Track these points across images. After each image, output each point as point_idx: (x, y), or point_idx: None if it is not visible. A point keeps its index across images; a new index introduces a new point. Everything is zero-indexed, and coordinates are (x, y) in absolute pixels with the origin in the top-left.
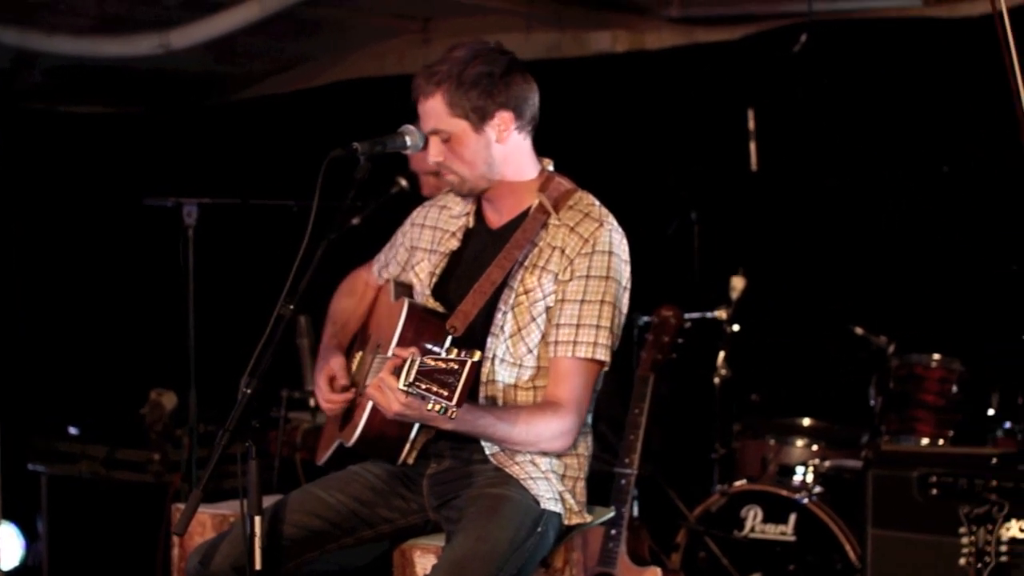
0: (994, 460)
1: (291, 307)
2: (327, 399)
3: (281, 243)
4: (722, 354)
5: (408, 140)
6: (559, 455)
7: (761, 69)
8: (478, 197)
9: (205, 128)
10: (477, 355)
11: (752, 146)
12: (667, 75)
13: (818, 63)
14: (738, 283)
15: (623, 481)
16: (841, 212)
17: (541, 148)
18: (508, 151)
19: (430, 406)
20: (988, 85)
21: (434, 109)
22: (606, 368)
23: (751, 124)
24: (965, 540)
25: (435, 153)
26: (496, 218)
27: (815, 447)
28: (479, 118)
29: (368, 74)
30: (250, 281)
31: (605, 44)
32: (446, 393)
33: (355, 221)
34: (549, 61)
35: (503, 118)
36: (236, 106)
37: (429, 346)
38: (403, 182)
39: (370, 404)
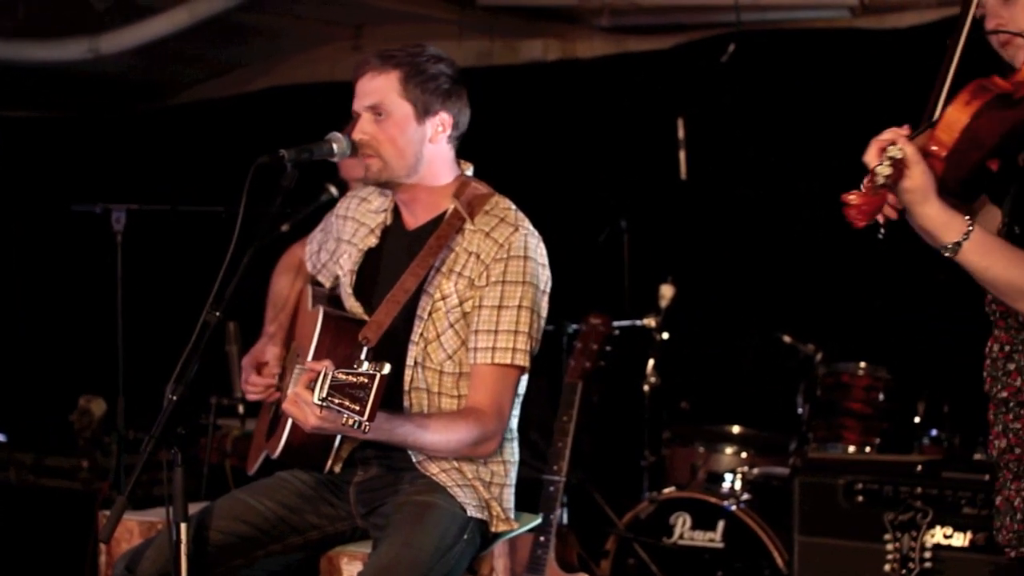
0: (919, 468)
1: (217, 313)
2: (248, 380)
3: (211, 249)
4: (651, 362)
5: (335, 147)
6: (486, 462)
7: (690, 79)
8: (393, 198)
9: (136, 134)
10: (387, 368)
11: (681, 155)
12: (598, 84)
13: (747, 73)
14: (667, 291)
15: (552, 488)
16: (770, 221)
17: (473, 156)
18: (435, 153)
19: (344, 420)
20: (916, 94)
21: (384, 85)
22: (526, 373)
23: (680, 133)
24: (890, 547)
25: (365, 128)
26: (412, 220)
27: (744, 454)
28: (424, 111)
29: (300, 81)
30: (180, 287)
31: (536, 52)
32: (358, 408)
33: (284, 228)
34: (481, 69)
35: (444, 120)
36: (167, 112)
37: (346, 357)
38: (333, 190)
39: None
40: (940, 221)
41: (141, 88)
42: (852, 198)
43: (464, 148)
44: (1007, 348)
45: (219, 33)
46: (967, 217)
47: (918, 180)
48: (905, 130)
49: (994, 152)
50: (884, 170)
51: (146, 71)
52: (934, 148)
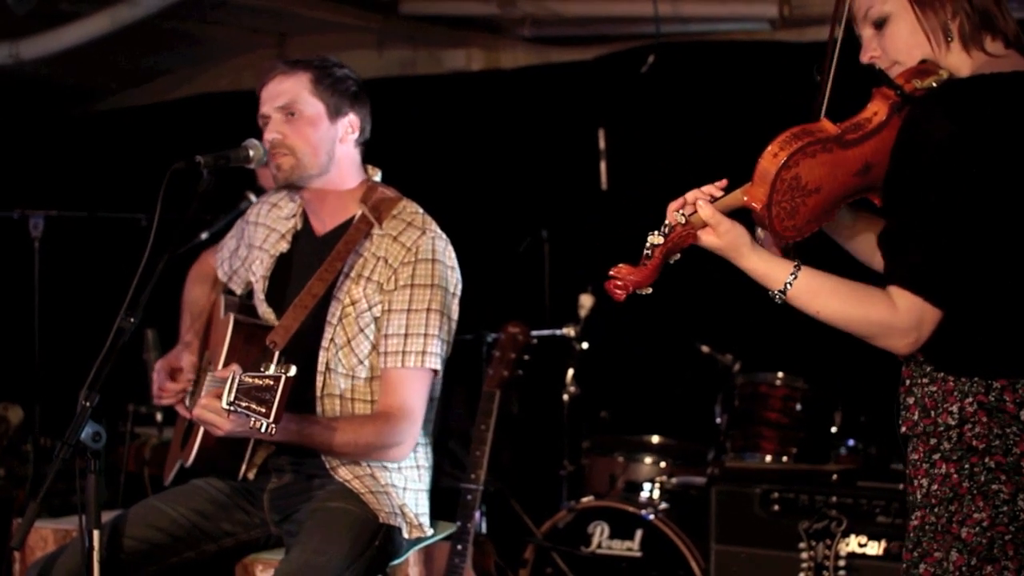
0: (834, 477)
1: (132, 320)
2: (161, 387)
3: (130, 257)
4: (571, 371)
5: (251, 153)
6: (400, 467)
7: (612, 90)
8: (302, 203)
9: (57, 140)
10: (293, 370)
11: (602, 165)
12: (521, 94)
13: (668, 84)
14: (587, 301)
15: (469, 496)
16: None
17: (394, 164)
18: (343, 154)
19: (252, 423)
20: (836, 107)
21: (295, 86)
22: (439, 376)
23: (601, 143)
24: (805, 555)
25: (277, 127)
26: (320, 226)
27: (663, 464)
28: (335, 110)
29: (223, 89)
30: (99, 294)
31: (460, 62)
32: (263, 410)
33: (204, 235)
34: (404, 78)
35: (352, 122)
36: (90, 118)
37: (257, 363)
38: (252, 197)
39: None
40: (761, 272)
41: (63, 94)
42: (614, 271)
43: (386, 156)
44: (907, 382)
45: (142, 40)
46: (795, 262)
47: (725, 239)
48: (713, 189)
49: (856, 191)
50: (655, 240)
51: (68, 77)
52: (747, 200)
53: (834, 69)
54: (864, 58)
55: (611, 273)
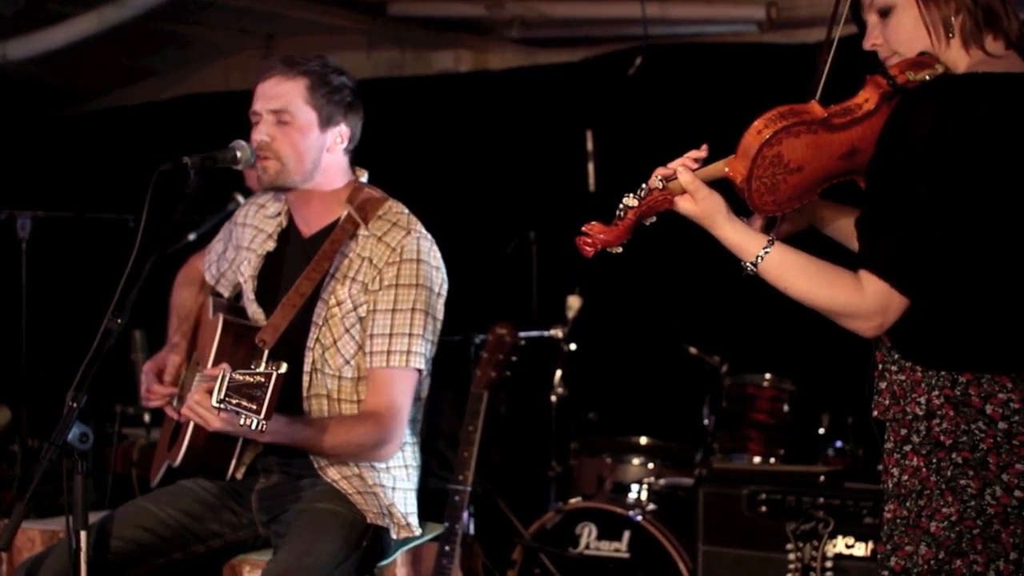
0: (822, 478)
1: (119, 320)
2: (149, 389)
3: (118, 257)
4: (559, 372)
5: (239, 154)
6: (388, 467)
7: (599, 91)
8: (287, 203)
9: (44, 140)
10: (283, 367)
11: (590, 167)
12: (509, 95)
13: (655, 86)
14: (574, 302)
15: (456, 497)
16: (676, 233)
17: (383, 166)
18: (330, 162)
19: (242, 421)
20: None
21: (291, 91)
22: (425, 375)
23: (589, 145)
24: (792, 556)
25: (267, 130)
26: (305, 227)
27: (650, 465)
28: (327, 120)
29: (212, 89)
30: (87, 295)
31: (448, 63)
32: (255, 407)
33: (191, 236)
34: (392, 79)
35: (343, 132)
36: (78, 118)
37: (245, 362)
38: (240, 198)
39: (192, 424)
40: (735, 242)
41: (51, 94)
42: (586, 227)
43: (374, 157)
44: (880, 367)
45: (130, 41)
46: (769, 237)
47: (701, 205)
48: (698, 153)
49: (841, 174)
50: (629, 201)
51: (56, 77)
52: (727, 171)
53: (832, 54)
54: (866, 44)
55: (583, 229)
